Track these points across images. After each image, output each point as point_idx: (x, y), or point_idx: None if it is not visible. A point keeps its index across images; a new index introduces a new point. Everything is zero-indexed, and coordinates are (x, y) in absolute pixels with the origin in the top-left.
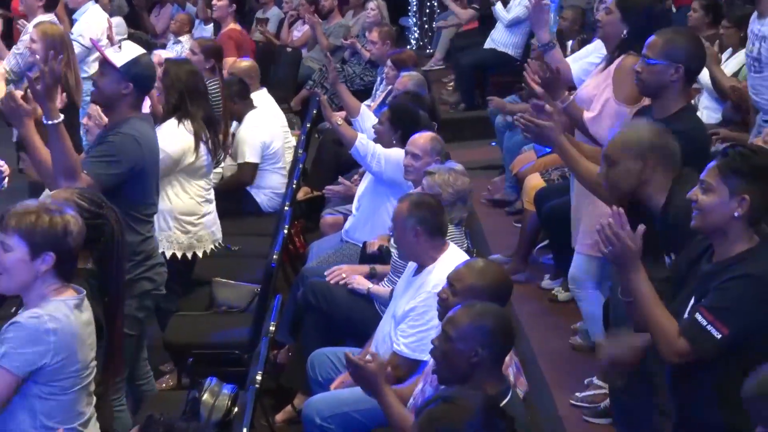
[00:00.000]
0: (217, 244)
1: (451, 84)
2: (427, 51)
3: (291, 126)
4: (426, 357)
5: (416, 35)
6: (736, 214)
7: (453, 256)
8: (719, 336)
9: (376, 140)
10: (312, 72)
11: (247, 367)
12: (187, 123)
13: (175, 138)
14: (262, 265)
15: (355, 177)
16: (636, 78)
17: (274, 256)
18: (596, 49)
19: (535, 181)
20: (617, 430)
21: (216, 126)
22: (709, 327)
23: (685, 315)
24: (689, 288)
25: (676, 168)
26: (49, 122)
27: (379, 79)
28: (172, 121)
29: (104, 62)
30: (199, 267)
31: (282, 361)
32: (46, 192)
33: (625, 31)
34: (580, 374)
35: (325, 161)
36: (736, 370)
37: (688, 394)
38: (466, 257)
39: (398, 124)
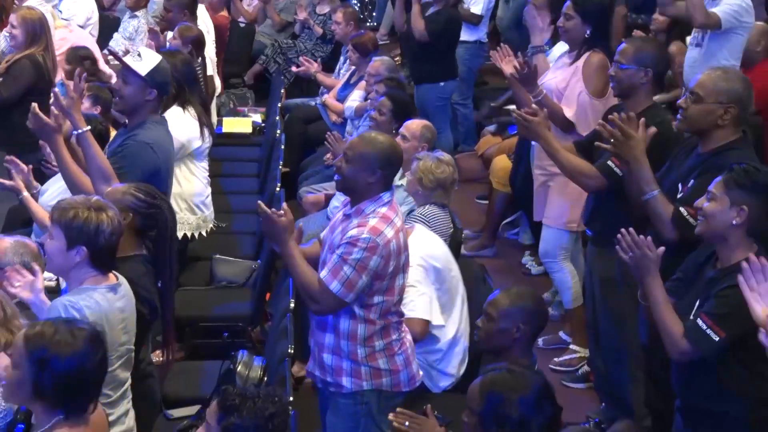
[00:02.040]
0: (213, 225)
1: (398, 58)
2: (367, 24)
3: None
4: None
5: (357, 8)
6: (734, 222)
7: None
8: (717, 339)
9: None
10: (264, 47)
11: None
12: (190, 109)
13: (183, 125)
14: (251, 241)
15: (328, 155)
16: (611, 80)
17: None
18: None
19: (503, 163)
20: (598, 395)
21: (208, 110)
22: (708, 331)
23: (691, 317)
24: (695, 291)
25: (738, 130)
26: (78, 132)
27: (342, 58)
28: (176, 109)
29: (128, 71)
30: (193, 244)
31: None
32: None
33: (588, 31)
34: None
35: (293, 138)
36: (733, 366)
37: (691, 385)
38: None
39: (400, 115)
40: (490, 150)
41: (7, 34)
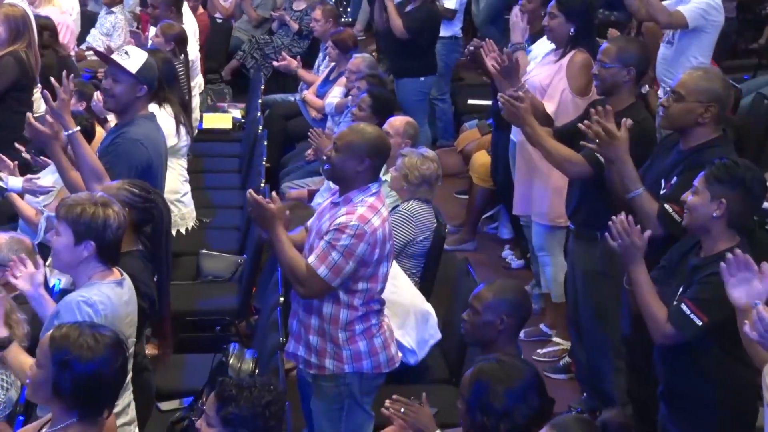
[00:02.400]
0: (195, 222)
1: (374, 54)
2: (342, 20)
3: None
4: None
5: (332, 3)
6: (714, 215)
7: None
8: (700, 323)
9: None
10: (241, 42)
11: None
12: (167, 107)
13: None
14: (234, 236)
15: (309, 152)
16: (595, 79)
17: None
18: None
19: (483, 158)
20: (580, 386)
21: (188, 109)
22: (691, 315)
23: (674, 302)
24: (680, 277)
25: (719, 128)
26: (68, 132)
27: (321, 55)
28: (153, 106)
29: (117, 69)
30: (177, 239)
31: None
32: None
33: (572, 30)
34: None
35: (273, 134)
36: (714, 350)
37: (673, 370)
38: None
39: (380, 112)
40: (470, 146)
41: None
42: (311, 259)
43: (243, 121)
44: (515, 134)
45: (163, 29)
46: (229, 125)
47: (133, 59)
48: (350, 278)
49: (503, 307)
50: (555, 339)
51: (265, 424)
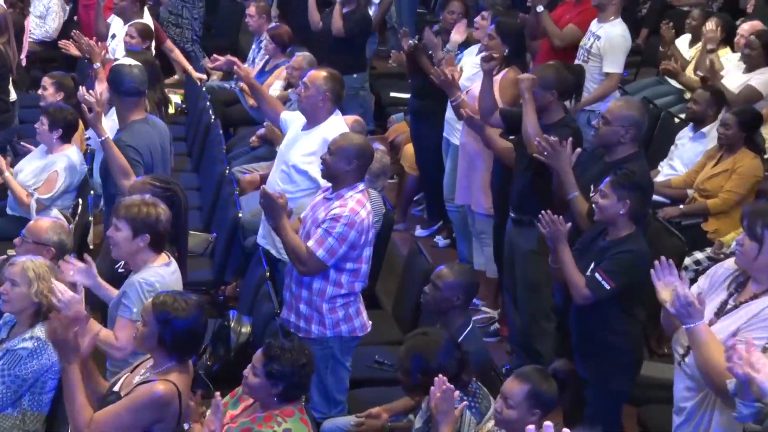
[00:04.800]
0: None
1: None
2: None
3: None
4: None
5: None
6: (621, 212)
7: (336, 124)
8: (609, 288)
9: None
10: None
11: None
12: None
13: None
14: (196, 215)
15: (253, 138)
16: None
17: (239, 214)
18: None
19: (413, 149)
20: (510, 347)
21: (166, 106)
22: (603, 282)
23: (588, 273)
24: (589, 257)
25: (635, 146)
26: (100, 139)
27: (255, 47)
28: None
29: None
30: None
31: (230, 295)
32: None
33: (506, 50)
34: None
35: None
36: (617, 309)
37: (586, 323)
38: (345, 127)
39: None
40: (400, 137)
41: None
42: (311, 243)
43: (184, 106)
44: (449, 133)
45: (137, 29)
46: (171, 110)
47: None
48: (341, 259)
49: (460, 287)
50: (483, 308)
51: (299, 381)
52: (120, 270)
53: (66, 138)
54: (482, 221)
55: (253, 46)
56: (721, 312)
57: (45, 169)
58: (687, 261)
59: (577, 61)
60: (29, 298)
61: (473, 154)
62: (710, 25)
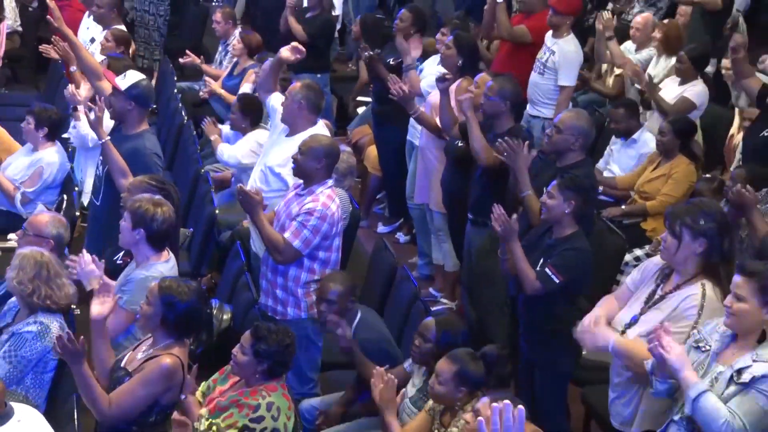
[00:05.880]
0: None
1: None
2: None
3: None
4: None
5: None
6: (566, 211)
7: (317, 129)
8: (557, 281)
9: (232, 127)
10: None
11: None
12: None
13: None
14: None
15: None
16: (480, 107)
17: (216, 211)
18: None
19: (376, 151)
20: None
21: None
22: (552, 276)
23: (538, 267)
24: (538, 252)
25: (583, 153)
26: (101, 141)
27: (222, 50)
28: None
29: (113, 87)
30: None
31: (207, 286)
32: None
33: (460, 61)
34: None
35: None
36: (563, 300)
37: (534, 310)
38: (326, 131)
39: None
40: (363, 139)
41: None
42: (287, 235)
43: (155, 107)
44: (413, 136)
45: (114, 34)
46: None
47: (127, 80)
48: (315, 248)
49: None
50: (442, 300)
51: (283, 359)
52: (118, 261)
53: (51, 136)
54: (439, 219)
55: (220, 48)
56: (650, 300)
57: (31, 166)
58: (627, 257)
59: (533, 74)
60: (11, 283)
61: (431, 157)
62: (607, 14)
